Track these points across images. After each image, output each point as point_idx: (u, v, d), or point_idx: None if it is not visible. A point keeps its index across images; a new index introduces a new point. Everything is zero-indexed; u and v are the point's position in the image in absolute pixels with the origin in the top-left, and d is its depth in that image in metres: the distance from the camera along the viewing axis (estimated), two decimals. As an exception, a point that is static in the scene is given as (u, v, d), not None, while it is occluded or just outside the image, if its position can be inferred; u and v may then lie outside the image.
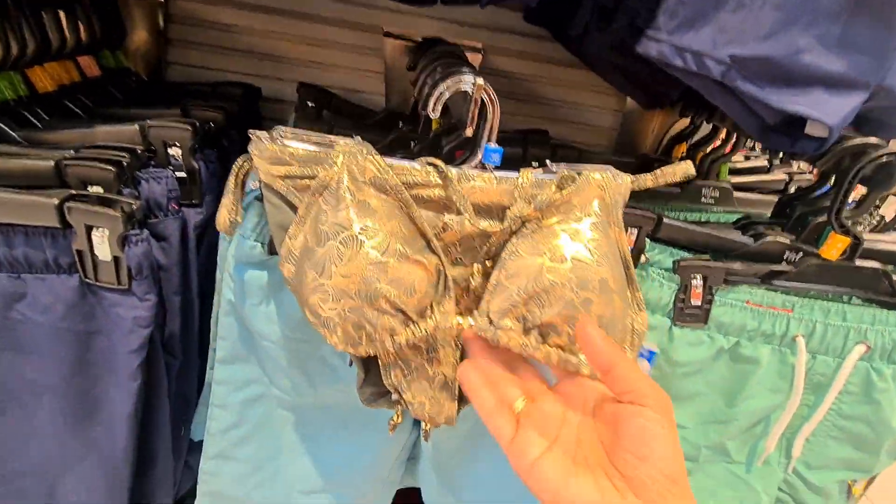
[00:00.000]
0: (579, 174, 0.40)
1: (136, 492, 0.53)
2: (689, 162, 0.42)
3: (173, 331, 0.49)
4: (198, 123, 0.46)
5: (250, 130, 0.36)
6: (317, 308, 0.35)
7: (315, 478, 0.60)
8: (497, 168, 0.42)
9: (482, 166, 0.41)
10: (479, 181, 0.39)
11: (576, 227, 0.37)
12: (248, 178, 0.40)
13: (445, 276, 0.37)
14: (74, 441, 0.44)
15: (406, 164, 0.38)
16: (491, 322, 0.37)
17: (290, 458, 0.58)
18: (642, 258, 0.53)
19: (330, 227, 0.35)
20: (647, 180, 0.42)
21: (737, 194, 0.70)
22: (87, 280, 0.39)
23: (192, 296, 0.50)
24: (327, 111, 0.64)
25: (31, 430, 0.44)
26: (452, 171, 0.39)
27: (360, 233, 0.34)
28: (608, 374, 0.31)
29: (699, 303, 0.53)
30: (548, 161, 0.42)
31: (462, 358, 0.40)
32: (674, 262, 0.53)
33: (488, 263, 0.40)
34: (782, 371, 0.54)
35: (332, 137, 0.37)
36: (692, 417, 0.57)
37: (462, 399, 0.44)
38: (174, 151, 0.44)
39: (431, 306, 0.37)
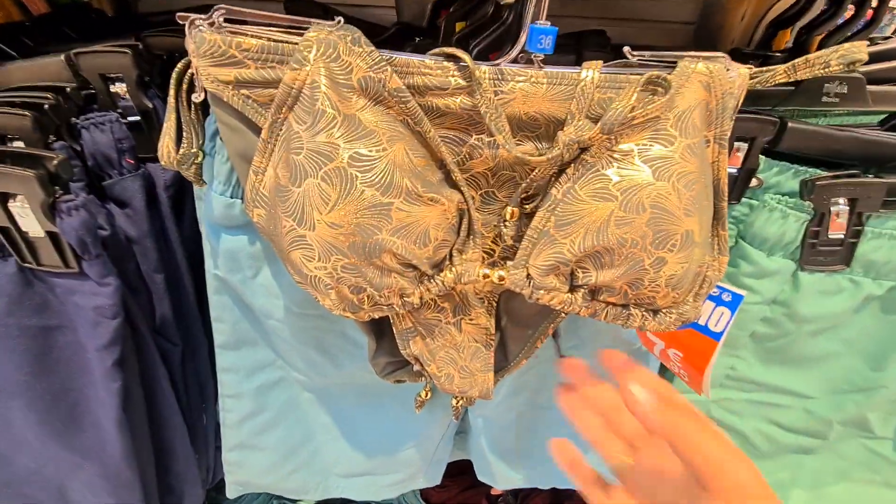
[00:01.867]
0: (673, 69, 0.28)
1: (162, 488, 0.47)
2: (861, 43, 0.29)
3: (164, 314, 0.41)
4: (145, 50, 0.34)
5: (179, 14, 0.24)
6: (300, 266, 0.27)
7: (355, 460, 0.54)
8: (548, 61, 0.28)
9: (527, 58, 0.28)
10: (523, 81, 0.27)
11: (664, 153, 0.26)
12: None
13: (470, 216, 0.29)
14: (64, 451, 0.38)
15: (415, 58, 0.26)
16: (529, 278, 0.30)
17: (325, 440, 0.52)
18: (753, 181, 0.39)
19: (307, 156, 0.25)
20: (777, 73, 0.30)
21: (870, 88, 0.53)
22: (27, 265, 0.31)
23: (180, 271, 0.41)
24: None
25: (14, 440, 0.37)
26: (483, 69, 0.27)
27: (350, 164, 0.24)
28: (682, 445, 0.23)
29: (841, 235, 0.39)
30: (626, 48, 0.28)
31: (499, 317, 0.35)
32: (803, 183, 0.39)
33: (527, 206, 0.30)
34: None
35: (302, 19, 0.25)
36: (822, 385, 0.44)
37: (501, 367, 0.38)
38: (118, 88, 0.33)
39: (451, 255, 0.30)
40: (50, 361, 0.34)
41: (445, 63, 0.26)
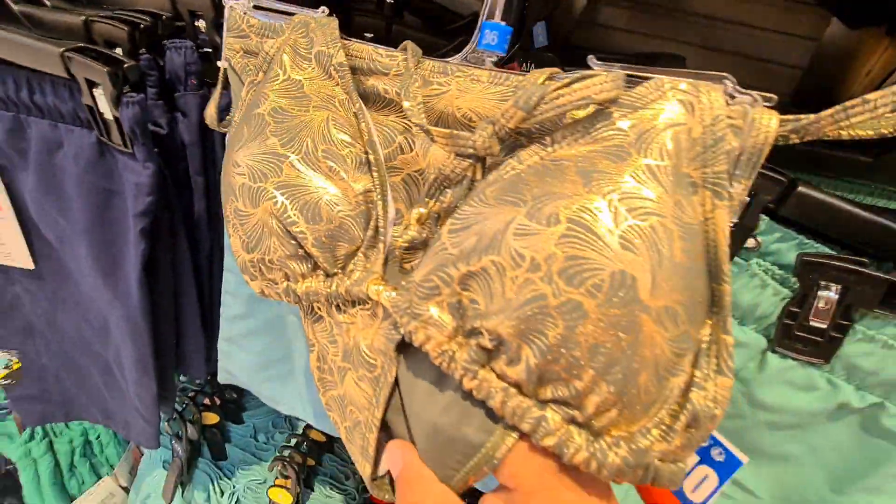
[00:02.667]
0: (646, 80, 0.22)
1: (179, 351, 0.59)
2: None
3: (200, 211, 0.51)
4: (227, -4, 0.43)
5: (228, 2, 0.31)
6: (225, 208, 0.28)
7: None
8: (506, 65, 0.30)
9: (479, 58, 0.29)
10: (461, 77, 0.26)
11: (610, 167, 0.20)
12: None
13: (382, 215, 0.26)
14: (107, 289, 0.50)
15: (370, 46, 0.29)
16: (409, 303, 0.23)
17: (300, 366, 0.58)
18: (750, 241, 0.36)
19: (247, 105, 0.29)
20: (823, 122, 0.20)
21: None
22: (102, 139, 0.42)
23: (217, 178, 0.50)
24: (389, 12, 0.55)
25: (80, 266, 0.50)
26: (428, 62, 0.28)
27: (270, 113, 0.27)
28: None
29: (824, 326, 0.34)
30: (590, 58, 0.25)
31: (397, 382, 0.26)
32: (798, 257, 0.34)
33: (437, 203, 0.26)
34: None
35: (304, 9, 0.30)
36: (771, 487, 0.39)
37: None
38: (200, 24, 0.42)
39: (356, 259, 0.27)
40: (107, 217, 0.45)
41: (395, 53, 0.28)
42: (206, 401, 0.84)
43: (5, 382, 0.64)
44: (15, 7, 0.40)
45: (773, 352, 0.35)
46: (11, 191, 0.48)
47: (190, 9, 0.42)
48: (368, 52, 0.29)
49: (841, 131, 0.20)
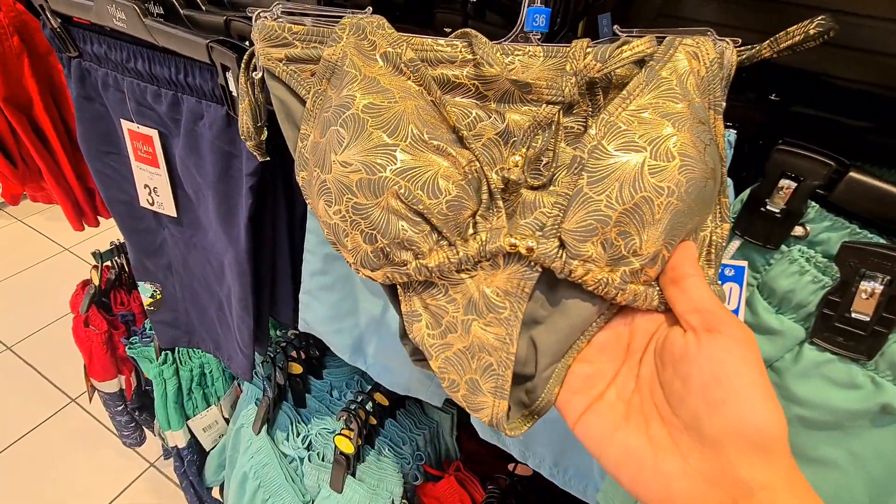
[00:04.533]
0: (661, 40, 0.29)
1: (273, 298, 0.71)
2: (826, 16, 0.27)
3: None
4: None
5: (249, 8, 0.32)
6: (324, 215, 0.29)
7: (379, 349, 0.66)
8: (551, 39, 0.33)
9: (525, 37, 0.33)
10: (521, 55, 0.30)
11: (677, 108, 0.27)
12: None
13: (487, 179, 0.29)
14: (224, 234, 0.62)
15: (429, 38, 0.31)
16: (563, 246, 0.28)
17: (365, 322, 0.66)
18: (798, 230, 0.35)
19: (332, 111, 0.29)
20: (763, 48, 0.29)
21: None
22: (229, 112, 0.53)
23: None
24: None
25: (208, 216, 0.64)
26: (487, 45, 0.31)
27: (363, 111, 0.28)
28: (675, 286, 0.26)
29: (867, 318, 0.32)
30: (616, 27, 0.30)
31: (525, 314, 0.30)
32: (843, 245, 0.33)
33: (530, 151, 0.30)
34: None
35: (338, 9, 0.31)
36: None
37: (527, 405, 0.32)
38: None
39: (476, 222, 0.29)
40: (228, 175, 0.57)
41: (455, 41, 0.31)
42: (294, 353, 0.97)
43: (151, 309, 0.81)
44: (182, 11, 0.53)
45: (811, 343, 0.34)
46: (166, 153, 0.63)
47: (302, 10, 0.52)
48: (430, 44, 0.31)
49: (773, 54, 0.28)
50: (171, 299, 0.80)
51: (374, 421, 0.91)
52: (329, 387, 1.03)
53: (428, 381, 0.66)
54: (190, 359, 1.06)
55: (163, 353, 1.03)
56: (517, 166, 0.30)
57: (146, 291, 0.80)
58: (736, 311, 0.34)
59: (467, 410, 0.32)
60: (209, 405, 1.10)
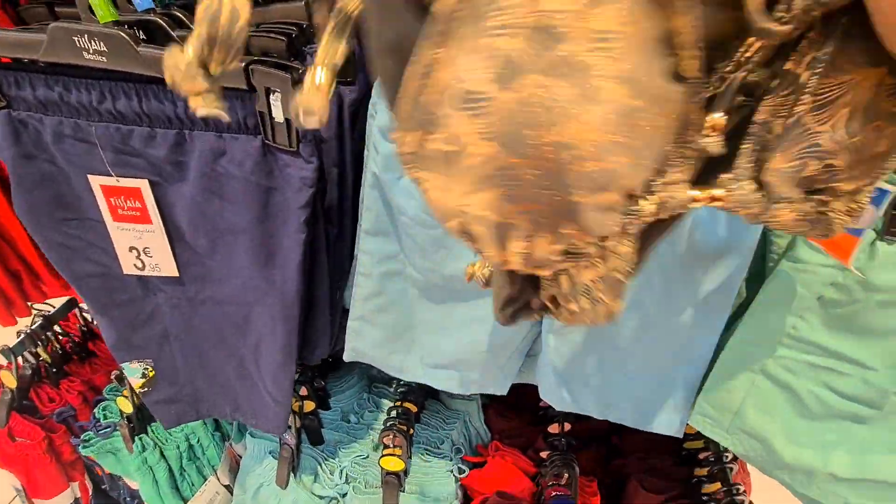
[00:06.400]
0: None
1: (303, 336, 0.64)
2: None
3: (331, 201, 0.56)
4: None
5: None
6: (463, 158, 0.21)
7: (441, 355, 0.65)
8: None
9: None
10: None
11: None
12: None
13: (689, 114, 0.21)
14: (260, 279, 0.55)
15: None
16: (761, 188, 0.23)
17: (422, 333, 0.65)
18: None
19: (524, 36, 0.18)
20: None
21: None
22: (267, 141, 0.46)
23: (347, 170, 0.56)
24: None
25: (232, 264, 0.55)
26: None
27: (591, 47, 0.18)
28: None
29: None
30: None
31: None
32: None
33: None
34: None
35: None
36: (885, 358, 0.47)
37: None
38: (334, 28, 0.47)
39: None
40: (266, 213, 0.50)
41: None
42: (303, 391, 0.90)
43: (144, 390, 0.68)
44: (174, 33, 0.44)
45: (882, 240, 0.42)
46: (161, 205, 0.53)
47: (327, 16, 0.47)
48: None
49: None
50: (168, 372, 0.68)
51: (411, 431, 0.89)
52: (341, 414, 0.98)
53: (498, 371, 0.67)
54: (171, 434, 0.92)
55: (136, 438, 0.87)
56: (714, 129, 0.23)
57: (134, 372, 0.67)
58: (861, 231, 0.41)
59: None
60: (205, 478, 0.97)
